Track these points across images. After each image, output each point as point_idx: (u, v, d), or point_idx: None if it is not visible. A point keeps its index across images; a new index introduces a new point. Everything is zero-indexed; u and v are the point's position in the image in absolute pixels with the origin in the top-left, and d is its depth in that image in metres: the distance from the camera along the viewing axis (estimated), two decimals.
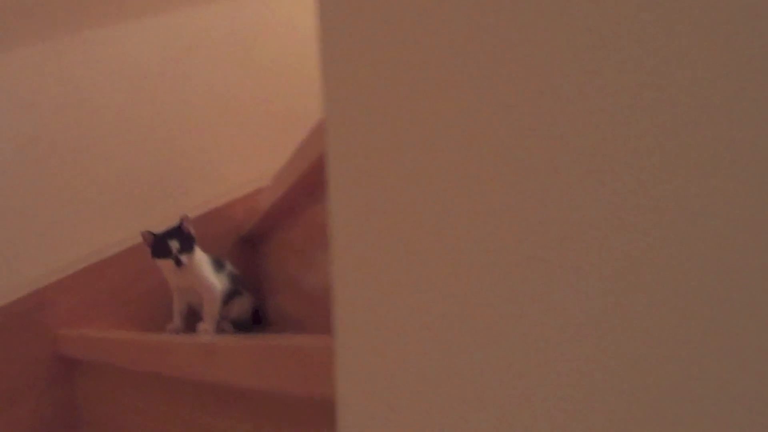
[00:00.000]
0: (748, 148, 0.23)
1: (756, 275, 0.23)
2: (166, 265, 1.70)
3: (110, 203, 1.90)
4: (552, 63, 0.28)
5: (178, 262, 1.67)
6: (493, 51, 0.30)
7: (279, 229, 1.72)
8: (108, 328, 1.82)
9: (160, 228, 1.74)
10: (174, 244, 1.67)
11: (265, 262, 1.91)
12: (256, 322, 1.90)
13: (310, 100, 2.16)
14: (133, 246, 1.81)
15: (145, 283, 1.88)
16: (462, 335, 0.33)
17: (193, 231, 1.74)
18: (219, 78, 2.08)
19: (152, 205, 1.95)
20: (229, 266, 1.87)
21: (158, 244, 1.70)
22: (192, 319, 1.74)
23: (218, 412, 1.03)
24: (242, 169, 2.08)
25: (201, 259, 1.75)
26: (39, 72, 1.84)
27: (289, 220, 1.61)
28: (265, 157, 2.10)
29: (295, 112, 2.16)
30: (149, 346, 1.10)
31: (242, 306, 1.85)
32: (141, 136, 1.95)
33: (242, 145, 2.09)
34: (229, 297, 1.80)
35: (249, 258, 2.04)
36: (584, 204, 0.27)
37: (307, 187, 1.34)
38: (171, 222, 1.73)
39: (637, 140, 0.26)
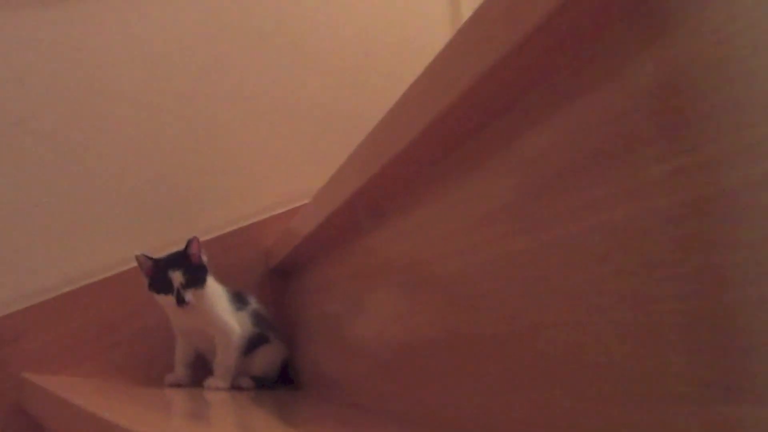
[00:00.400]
0: None
1: None
2: (166, 302, 1.31)
3: (106, 211, 1.50)
4: None
5: (181, 301, 1.29)
6: None
7: (321, 261, 1.36)
8: (88, 378, 1.39)
9: (164, 250, 1.33)
10: (177, 277, 1.31)
11: (301, 301, 1.49)
12: (284, 379, 1.46)
13: (365, 102, 1.75)
14: (129, 270, 1.38)
15: (143, 318, 1.46)
16: None
17: (205, 258, 1.37)
18: (255, 72, 1.71)
19: (159, 218, 1.56)
20: (254, 303, 1.45)
21: (157, 275, 1.31)
22: (202, 370, 1.41)
23: None
24: (277, 182, 1.70)
25: (215, 294, 1.39)
26: (29, 42, 1.46)
27: (335, 250, 1.25)
28: (305, 170, 1.71)
29: (347, 116, 1.76)
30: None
31: (269, 357, 1.43)
32: (153, 134, 1.57)
33: (278, 154, 1.72)
34: (252, 344, 1.41)
35: (280, 296, 1.62)
36: None
37: (361, 208, 1.03)
38: (181, 241, 1.32)
39: None
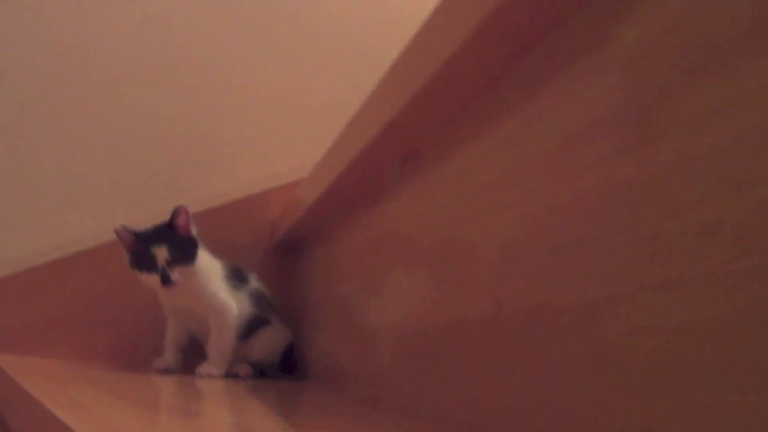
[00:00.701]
0: None
1: None
2: (150, 281, 1.16)
3: (89, 176, 1.34)
4: None
5: (166, 280, 1.14)
6: None
7: (331, 234, 1.20)
8: (64, 360, 1.22)
9: (154, 221, 1.19)
10: (161, 253, 1.15)
11: (308, 280, 1.32)
12: (287, 367, 1.29)
13: (367, 74, 1.58)
14: (113, 241, 1.21)
15: (129, 295, 1.28)
16: None
17: (194, 231, 1.21)
18: (263, 30, 1.54)
19: (150, 185, 1.39)
20: (254, 282, 1.28)
21: (140, 250, 1.16)
22: (195, 355, 1.25)
23: None
24: (284, 149, 1.53)
25: (208, 270, 1.22)
26: None
27: (348, 219, 1.09)
28: (317, 137, 1.52)
29: (356, 82, 1.58)
30: None
31: (269, 341, 1.27)
32: (144, 93, 1.40)
33: (286, 117, 1.56)
34: (251, 327, 1.25)
35: (284, 274, 1.44)
36: None
37: (367, 174, 0.90)
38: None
39: None
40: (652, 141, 0.43)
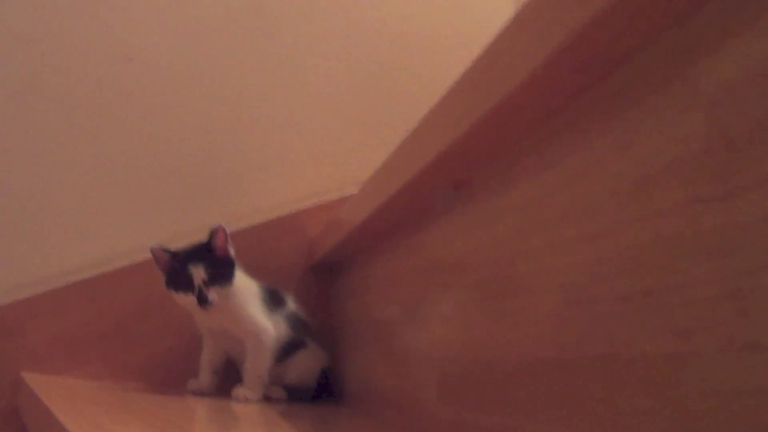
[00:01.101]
0: None
1: None
2: (186, 301, 1.13)
3: (123, 192, 1.31)
4: None
5: (203, 301, 1.11)
6: None
7: (373, 256, 1.16)
8: (96, 380, 1.20)
9: (189, 239, 1.17)
10: (198, 272, 1.12)
11: (347, 302, 1.29)
12: (323, 391, 1.25)
13: (424, 80, 1.55)
14: (148, 259, 1.18)
15: (164, 314, 1.26)
16: None
17: (232, 251, 1.18)
18: (305, 42, 1.51)
19: (184, 202, 1.36)
20: (291, 304, 1.26)
21: (175, 270, 1.13)
22: (231, 377, 1.22)
23: None
24: (323, 166, 1.48)
25: (245, 291, 1.19)
26: None
27: (392, 243, 1.05)
28: (356, 155, 1.49)
29: (404, 96, 1.55)
30: None
31: (305, 364, 1.24)
32: (180, 105, 1.39)
33: (326, 135, 1.51)
34: (287, 350, 1.23)
35: (322, 295, 1.40)
36: None
37: (417, 199, 0.86)
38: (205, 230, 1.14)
39: None
40: (739, 190, 0.39)
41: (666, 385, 0.43)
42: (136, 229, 1.32)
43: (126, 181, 1.32)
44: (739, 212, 0.39)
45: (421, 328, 0.89)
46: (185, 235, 1.28)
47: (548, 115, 0.59)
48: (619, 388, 0.48)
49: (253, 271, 1.23)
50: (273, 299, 1.23)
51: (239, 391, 1.14)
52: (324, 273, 1.45)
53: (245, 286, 1.19)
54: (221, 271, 1.13)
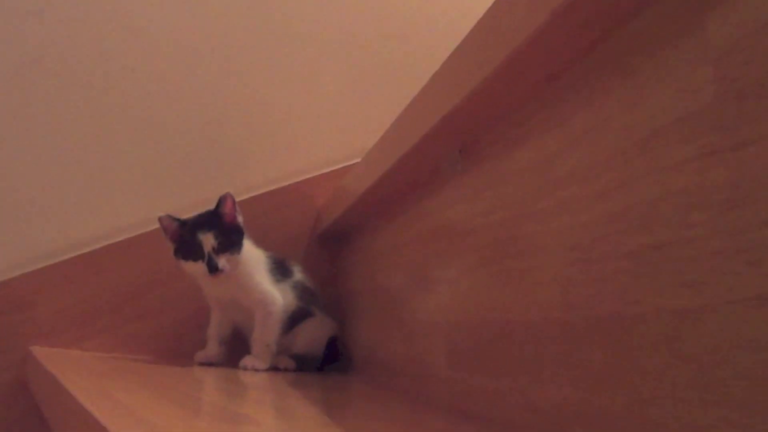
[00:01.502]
0: None
1: None
2: (195, 270, 1.13)
3: (131, 164, 1.30)
4: None
5: (213, 269, 1.11)
6: None
7: (380, 223, 1.16)
8: (104, 353, 1.20)
9: (196, 210, 1.16)
10: (208, 240, 1.12)
11: (355, 271, 1.29)
12: (331, 358, 1.25)
13: (431, 48, 1.53)
14: (155, 230, 1.18)
15: (172, 286, 1.25)
16: None
17: (240, 219, 1.19)
18: (309, 16, 1.50)
19: (192, 173, 1.35)
20: (298, 273, 1.25)
21: (184, 238, 1.13)
22: (238, 349, 1.21)
23: None
24: (329, 137, 1.47)
25: (253, 260, 1.20)
26: None
27: (398, 209, 1.05)
28: (362, 125, 1.48)
29: (411, 65, 1.53)
30: None
31: (312, 333, 1.24)
32: (188, 77, 1.38)
33: (333, 105, 1.50)
34: (294, 319, 1.23)
35: (329, 264, 1.40)
36: None
37: (422, 165, 0.86)
38: (215, 200, 1.14)
39: None
40: (748, 143, 0.38)
41: (677, 341, 0.43)
42: (143, 201, 1.31)
43: (133, 154, 1.32)
44: (749, 163, 0.38)
45: (429, 294, 0.89)
46: (192, 206, 1.28)
47: (554, 75, 0.58)
48: (628, 347, 0.48)
49: (260, 241, 1.22)
50: (280, 268, 1.23)
51: (247, 361, 1.14)
52: (331, 242, 1.45)
53: (253, 255, 1.19)
54: (230, 238, 1.13)
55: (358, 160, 1.36)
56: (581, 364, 0.53)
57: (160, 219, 1.13)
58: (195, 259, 1.12)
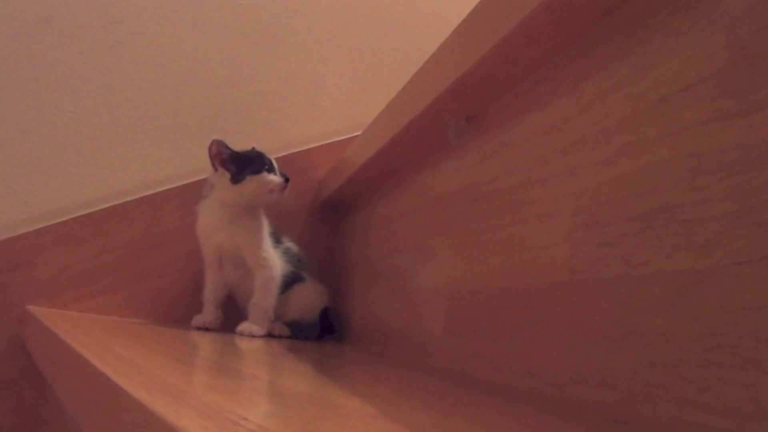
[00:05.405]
0: None
1: None
2: (270, 180, 1.17)
3: (135, 126, 1.30)
4: None
5: (287, 179, 1.19)
6: None
7: (381, 194, 1.17)
8: (103, 315, 1.21)
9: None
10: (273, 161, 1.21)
11: (354, 241, 1.30)
12: (325, 328, 1.25)
13: (438, 22, 1.53)
14: (156, 194, 1.18)
15: (171, 250, 1.25)
16: None
17: None
18: None
19: (196, 138, 1.33)
20: (287, 242, 1.24)
21: (251, 158, 1.18)
22: (231, 317, 1.22)
23: None
24: (334, 107, 1.45)
25: (265, 218, 1.24)
26: None
27: (395, 183, 1.07)
28: (367, 98, 1.47)
29: (417, 38, 1.53)
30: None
31: (304, 297, 1.26)
32: (196, 42, 1.35)
33: (338, 76, 1.47)
34: (286, 283, 1.23)
35: (330, 235, 1.40)
36: None
37: (426, 134, 0.86)
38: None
39: None
40: (759, 108, 0.38)
41: (683, 302, 0.44)
42: (145, 164, 1.30)
43: (136, 117, 1.31)
44: (759, 128, 0.38)
45: (429, 262, 0.89)
46: (194, 172, 1.27)
47: (566, 42, 0.58)
48: (634, 309, 0.48)
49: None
50: (273, 235, 1.23)
51: (245, 326, 1.13)
52: (331, 213, 1.45)
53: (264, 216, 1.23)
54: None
55: (358, 133, 1.37)
56: (586, 328, 0.53)
57: (216, 142, 1.15)
58: (269, 171, 1.17)
